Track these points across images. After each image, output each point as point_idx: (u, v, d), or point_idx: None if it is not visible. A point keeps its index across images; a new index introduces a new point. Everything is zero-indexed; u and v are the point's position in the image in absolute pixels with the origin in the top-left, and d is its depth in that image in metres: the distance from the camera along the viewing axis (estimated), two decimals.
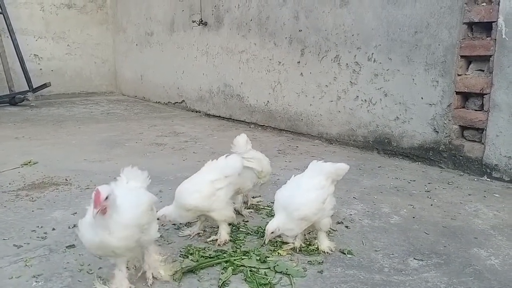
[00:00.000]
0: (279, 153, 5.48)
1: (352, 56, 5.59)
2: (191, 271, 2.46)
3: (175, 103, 9.66)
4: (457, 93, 4.56)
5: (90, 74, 11.68)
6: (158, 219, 2.81)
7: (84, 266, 2.54)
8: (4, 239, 2.86)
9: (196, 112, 8.92)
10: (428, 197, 3.86)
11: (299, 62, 6.37)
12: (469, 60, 4.52)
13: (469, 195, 3.92)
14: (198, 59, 8.65)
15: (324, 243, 2.77)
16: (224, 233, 2.85)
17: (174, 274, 2.41)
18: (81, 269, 2.51)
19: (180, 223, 3.15)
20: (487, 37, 4.30)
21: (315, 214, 2.64)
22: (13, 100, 9.39)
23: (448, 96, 4.63)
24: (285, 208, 2.64)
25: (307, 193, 2.66)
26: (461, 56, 4.50)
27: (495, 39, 4.20)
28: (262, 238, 2.90)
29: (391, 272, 2.53)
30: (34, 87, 9.66)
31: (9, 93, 9.46)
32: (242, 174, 3.08)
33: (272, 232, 2.61)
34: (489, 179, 4.33)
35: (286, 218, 2.61)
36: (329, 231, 2.97)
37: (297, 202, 2.62)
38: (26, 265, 2.55)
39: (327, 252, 2.72)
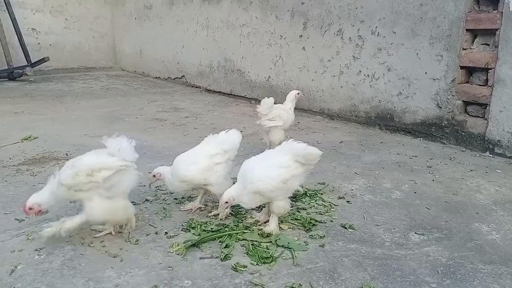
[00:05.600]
0: None
1: (355, 29, 5.49)
2: (194, 245, 2.47)
3: (175, 78, 9.57)
4: (461, 67, 4.50)
5: (89, 48, 11.53)
6: (154, 176, 2.88)
7: (86, 239, 2.55)
8: (5, 213, 2.86)
9: (196, 87, 8.84)
10: (429, 172, 3.85)
11: (301, 36, 6.26)
12: (474, 34, 4.44)
13: (471, 170, 3.91)
14: (198, 33, 8.52)
15: (271, 226, 2.65)
16: None
17: (177, 249, 2.42)
18: (83, 243, 2.51)
19: (182, 197, 3.16)
20: (494, 10, 4.21)
21: (271, 191, 2.55)
22: (12, 75, 9.29)
23: (452, 71, 4.56)
24: (243, 178, 2.61)
25: (268, 168, 2.58)
26: (467, 30, 4.41)
27: (502, 12, 4.12)
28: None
29: (392, 246, 2.54)
30: (32, 61, 9.54)
31: (7, 68, 9.36)
32: (271, 131, 4.05)
33: (226, 202, 2.58)
34: (491, 155, 4.32)
35: (242, 190, 2.57)
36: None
37: (253, 175, 2.56)
38: (28, 238, 2.55)
39: (269, 234, 2.60)
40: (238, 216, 2.86)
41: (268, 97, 4.05)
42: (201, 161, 2.81)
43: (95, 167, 2.41)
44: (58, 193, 2.43)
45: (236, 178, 2.74)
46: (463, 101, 4.55)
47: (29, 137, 4.75)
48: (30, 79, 9.41)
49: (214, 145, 2.90)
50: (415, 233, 2.71)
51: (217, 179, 2.82)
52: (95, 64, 11.68)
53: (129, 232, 2.63)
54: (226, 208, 2.69)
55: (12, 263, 2.28)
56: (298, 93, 4.35)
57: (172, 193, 3.15)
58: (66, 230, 2.46)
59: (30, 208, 2.42)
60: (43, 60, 9.58)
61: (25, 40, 9.62)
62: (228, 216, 2.84)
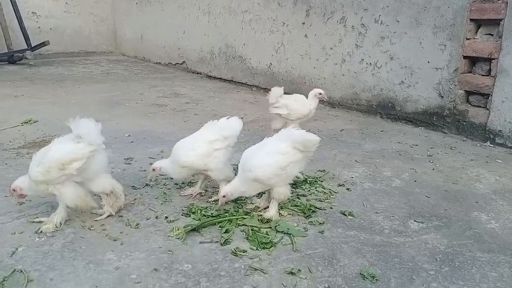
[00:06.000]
0: None
1: (358, 17, 5.44)
2: (194, 229, 2.48)
3: (175, 64, 9.52)
4: (464, 57, 4.47)
5: (89, 33, 11.45)
6: (153, 170, 2.87)
7: (86, 223, 2.56)
8: (6, 196, 2.86)
9: (197, 73, 8.80)
10: (430, 161, 3.85)
11: (303, 23, 6.21)
12: (478, 23, 4.40)
13: (472, 160, 3.91)
14: (200, 19, 8.45)
15: (271, 212, 2.66)
16: None
17: (177, 233, 2.43)
18: (83, 226, 2.52)
19: (182, 182, 3.17)
20: (498, 0, 4.16)
21: (270, 179, 2.55)
22: (12, 58, 9.25)
23: (455, 61, 4.54)
24: (242, 167, 2.62)
25: (266, 156, 2.58)
26: (471, 20, 4.37)
27: (507, 2, 4.08)
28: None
29: (391, 233, 2.55)
30: (32, 45, 9.49)
31: (7, 51, 9.31)
32: (276, 120, 4.13)
33: (224, 196, 2.59)
34: (492, 145, 4.31)
35: (240, 180, 2.59)
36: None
37: (252, 164, 2.56)
38: (28, 221, 2.56)
39: (268, 219, 2.61)
40: (238, 201, 2.86)
41: (279, 86, 4.10)
42: (200, 147, 2.81)
43: (65, 160, 2.39)
44: (32, 187, 2.43)
45: (236, 165, 2.74)
46: (465, 91, 4.53)
47: (29, 121, 4.74)
48: (30, 62, 9.37)
49: (214, 131, 2.90)
50: (415, 221, 2.72)
51: (217, 165, 2.82)
52: (96, 48, 11.61)
53: (128, 218, 2.64)
54: (224, 201, 2.70)
55: (13, 245, 2.30)
56: (320, 93, 4.11)
57: (172, 178, 3.16)
58: (59, 224, 2.48)
59: (14, 190, 2.46)
60: (43, 44, 9.54)
61: (25, 23, 9.55)
62: (228, 202, 2.84)
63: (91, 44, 11.50)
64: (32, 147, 3.88)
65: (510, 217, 2.79)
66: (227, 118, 2.95)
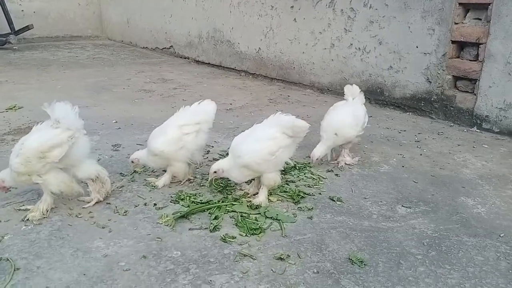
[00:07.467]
0: (270, 102, 5.41)
1: (347, 1, 5.40)
2: (183, 216, 2.47)
3: (163, 48, 9.39)
4: (452, 42, 4.47)
5: (74, 16, 11.21)
6: (132, 162, 2.85)
7: (74, 210, 2.53)
8: None
9: (185, 58, 8.70)
10: (417, 147, 3.87)
11: (292, 7, 6.15)
12: (467, 8, 4.39)
13: (458, 145, 3.94)
14: (187, 2, 8.32)
15: (260, 198, 2.67)
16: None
17: (166, 220, 2.42)
18: (71, 213, 2.50)
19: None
20: None
21: (259, 164, 2.56)
22: None
23: (444, 45, 4.54)
24: (232, 153, 2.62)
25: (255, 142, 2.59)
26: (459, 4, 4.36)
27: None
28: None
29: (379, 218, 2.57)
30: (16, 29, 9.27)
31: None
32: None
33: (215, 172, 2.59)
34: (478, 130, 4.35)
35: (231, 163, 2.59)
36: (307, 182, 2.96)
37: (241, 149, 2.57)
38: (14, 209, 2.52)
39: (258, 205, 2.62)
40: (227, 188, 2.86)
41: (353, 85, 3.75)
42: (170, 132, 2.78)
43: (43, 148, 2.32)
44: (15, 178, 2.38)
45: (226, 152, 2.73)
46: (453, 76, 4.54)
47: (14, 107, 4.65)
48: (14, 47, 9.17)
49: (186, 116, 2.86)
50: (402, 206, 2.74)
51: (186, 152, 2.79)
52: (81, 32, 11.39)
53: (116, 206, 2.62)
54: (214, 178, 2.68)
55: None
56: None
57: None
58: (45, 211, 2.45)
59: None
60: (27, 28, 9.33)
61: (8, 6, 9.31)
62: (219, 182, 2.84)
63: (76, 28, 11.28)
64: (17, 134, 3.81)
65: (496, 202, 2.83)
66: (199, 103, 2.92)
